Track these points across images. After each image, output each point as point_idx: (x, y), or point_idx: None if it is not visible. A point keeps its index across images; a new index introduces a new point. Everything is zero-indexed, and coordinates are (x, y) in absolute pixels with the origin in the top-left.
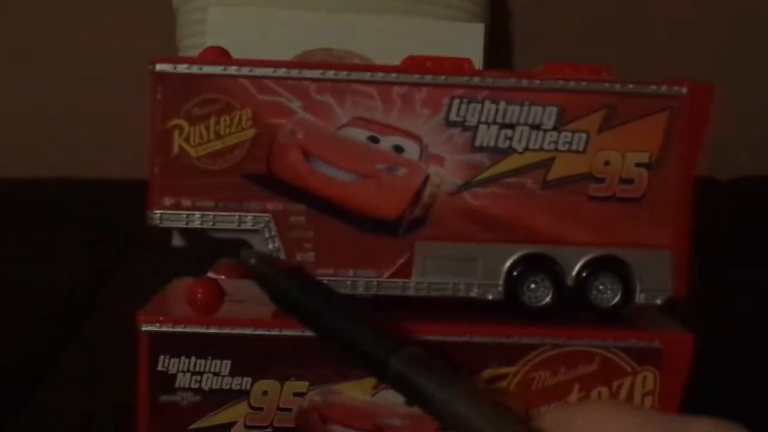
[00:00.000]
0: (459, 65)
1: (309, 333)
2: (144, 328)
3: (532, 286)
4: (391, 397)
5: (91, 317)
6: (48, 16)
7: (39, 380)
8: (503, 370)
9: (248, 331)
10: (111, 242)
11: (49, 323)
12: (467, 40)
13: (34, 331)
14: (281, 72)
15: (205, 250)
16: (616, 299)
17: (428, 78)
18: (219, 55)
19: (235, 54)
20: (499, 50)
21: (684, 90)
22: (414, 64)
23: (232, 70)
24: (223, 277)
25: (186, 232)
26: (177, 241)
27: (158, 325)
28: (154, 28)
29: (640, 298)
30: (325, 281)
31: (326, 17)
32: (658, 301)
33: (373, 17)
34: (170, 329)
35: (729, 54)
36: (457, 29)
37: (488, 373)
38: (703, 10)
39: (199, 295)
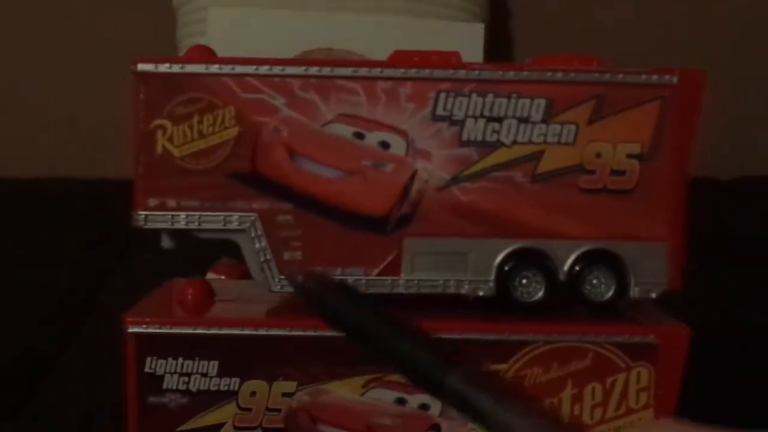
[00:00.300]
0: (446, 59)
1: (296, 332)
2: (131, 330)
3: (524, 281)
4: (381, 396)
5: (91, 317)
6: (48, 16)
7: (39, 380)
8: (495, 367)
9: (235, 332)
10: (111, 242)
11: (49, 323)
12: (467, 40)
13: (34, 331)
14: (264, 69)
15: (206, 250)
16: (610, 293)
17: (413, 72)
18: (205, 53)
19: (236, 54)
20: (499, 50)
21: (675, 79)
22: (401, 58)
23: (214, 68)
24: (223, 276)
25: (174, 234)
26: (166, 242)
27: (145, 326)
28: (154, 28)
29: (634, 291)
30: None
31: (326, 17)
32: (653, 295)
33: (372, 17)
34: (157, 330)
35: (730, 54)
36: (457, 29)
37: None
38: (705, 10)
39: (189, 296)
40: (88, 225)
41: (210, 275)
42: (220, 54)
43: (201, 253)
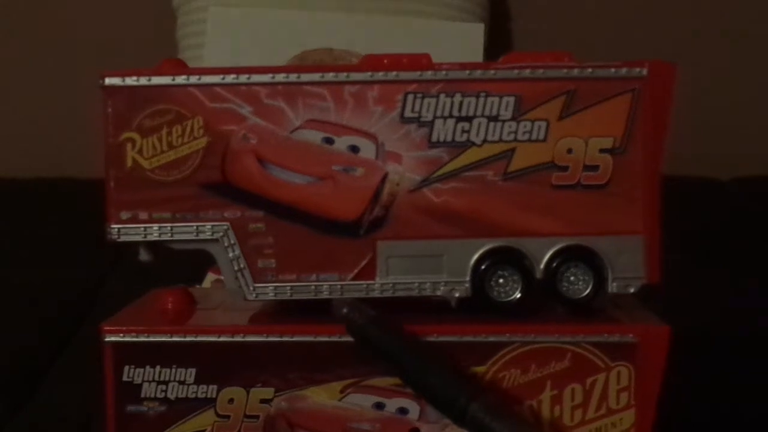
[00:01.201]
0: (417, 61)
1: (273, 339)
2: (108, 339)
3: (501, 280)
4: (359, 401)
5: (91, 318)
6: (48, 16)
7: (39, 380)
8: (472, 369)
9: (211, 339)
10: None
11: (48, 324)
12: (467, 40)
13: (33, 332)
14: (230, 78)
15: (205, 251)
16: (588, 290)
17: (380, 75)
18: (175, 66)
19: (236, 53)
20: (499, 50)
21: (644, 71)
22: (371, 62)
23: (181, 79)
24: (222, 276)
25: (151, 246)
26: (143, 255)
27: (121, 335)
28: (154, 28)
29: (612, 287)
30: (289, 287)
31: (326, 17)
32: (632, 290)
33: (373, 17)
34: (133, 339)
35: (731, 55)
36: (457, 29)
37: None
38: (712, 13)
39: (169, 305)
40: (88, 225)
41: (210, 275)
42: (220, 53)
43: (200, 253)
